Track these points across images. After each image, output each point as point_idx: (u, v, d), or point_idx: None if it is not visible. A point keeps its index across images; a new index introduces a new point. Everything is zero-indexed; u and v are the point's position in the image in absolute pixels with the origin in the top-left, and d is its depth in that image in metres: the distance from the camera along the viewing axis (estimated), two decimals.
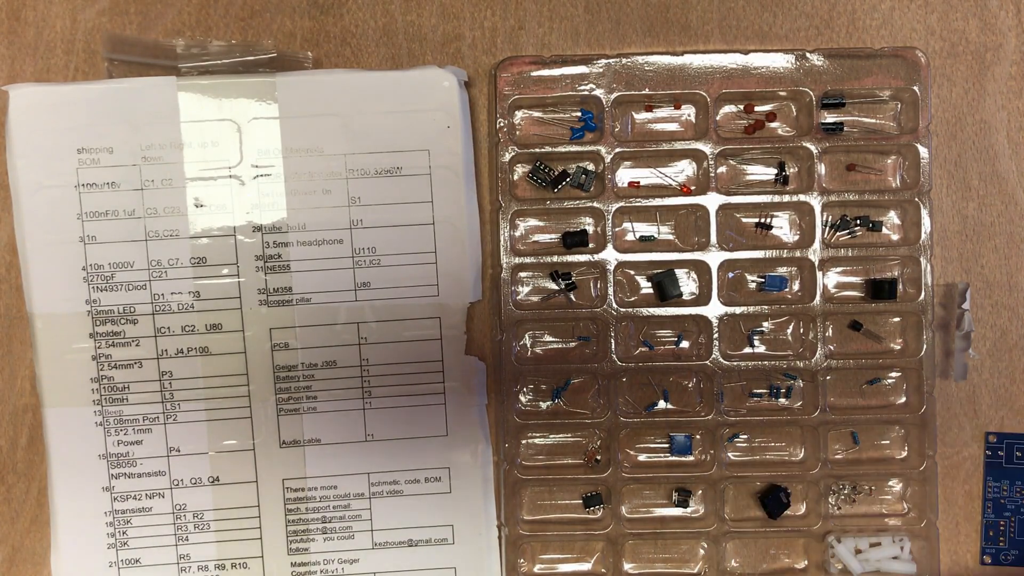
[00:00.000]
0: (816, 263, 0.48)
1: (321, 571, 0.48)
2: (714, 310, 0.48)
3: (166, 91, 0.46)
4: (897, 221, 0.49)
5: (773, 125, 0.49)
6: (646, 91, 0.48)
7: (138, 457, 0.47)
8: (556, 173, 0.48)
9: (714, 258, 0.48)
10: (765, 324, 0.49)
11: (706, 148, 0.47)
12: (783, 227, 0.49)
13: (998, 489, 0.49)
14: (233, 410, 0.47)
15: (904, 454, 0.50)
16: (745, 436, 0.50)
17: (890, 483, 0.50)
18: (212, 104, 0.46)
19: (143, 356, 0.47)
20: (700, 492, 0.50)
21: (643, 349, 0.49)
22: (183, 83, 0.46)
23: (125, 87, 0.46)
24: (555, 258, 0.48)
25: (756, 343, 0.49)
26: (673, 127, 0.49)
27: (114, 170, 0.46)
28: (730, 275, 0.49)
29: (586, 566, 0.50)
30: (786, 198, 0.48)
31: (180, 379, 0.47)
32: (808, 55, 0.48)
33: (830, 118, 0.48)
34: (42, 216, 0.46)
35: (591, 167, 0.48)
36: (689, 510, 0.50)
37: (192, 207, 0.47)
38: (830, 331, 0.49)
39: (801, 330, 0.49)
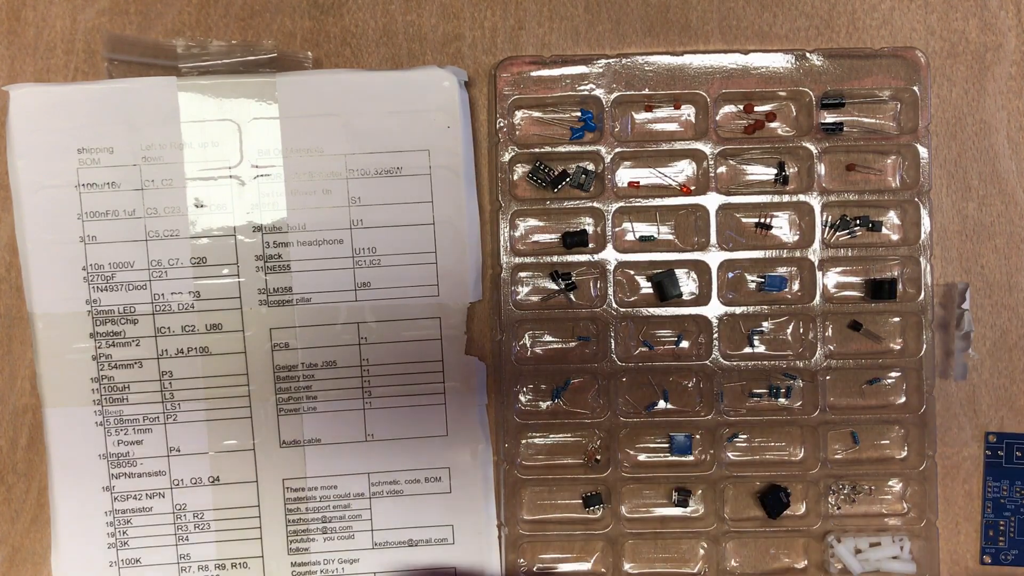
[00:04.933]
0: (816, 263, 0.48)
1: (321, 571, 0.48)
2: (714, 310, 0.48)
3: (166, 91, 0.46)
4: (897, 221, 0.49)
5: (773, 125, 0.49)
6: (646, 91, 0.48)
7: (138, 457, 0.47)
8: (556, 173, 0.48)
9: (714, 258, 0.48)
10: (765, 324, 0.49)
11: (706, 148, 0.47)
12: (783, 227, 0.49)
13: (998, 489, 0.49)
14: (233, 410, 0.47)
15: (904, 454, 0.50)
16: (745, 436, 0.50)
17: (890, 483, 0.50)
18: (212, 104, 0.46)
19: (143, 356, 0.47)
20: (700, 492, 0.50)
21: (643, 349, 0.49)
22: (183, 83, 0.46)
23: (125, 87, 0.46)
24: (555, 258, 0.48)
25: (756, 343, 0.49)
26: (673, 127, 0.49)
27: (114, 170, 0.46)
28: (730, 275, 0.49)
29: (586, 566, 0.50)
30: (786, 198, 0.48)
31: (180, 379, 0.47)
32: (808, 55, 0.48)
33: (830, 118, 0.48)
34: (42, 216, 0.46)
35: (591, 167, 0.48)
36: (689, 510, 0.50)
37: (192, 207, 0.47)
38: (830, 331, 0.49)
39: (801, 330, 0.49)
